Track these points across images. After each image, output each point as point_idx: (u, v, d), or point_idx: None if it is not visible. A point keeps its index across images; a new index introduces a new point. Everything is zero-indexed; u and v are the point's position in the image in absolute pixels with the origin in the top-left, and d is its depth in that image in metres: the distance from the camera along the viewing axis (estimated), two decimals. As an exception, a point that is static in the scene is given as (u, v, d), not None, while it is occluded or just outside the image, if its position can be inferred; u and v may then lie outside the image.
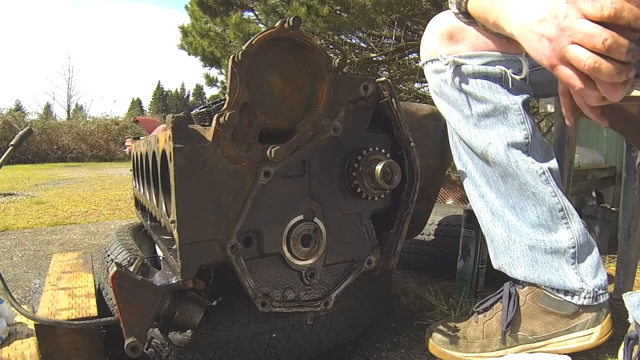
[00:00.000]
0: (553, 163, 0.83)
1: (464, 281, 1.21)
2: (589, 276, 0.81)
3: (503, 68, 0.81)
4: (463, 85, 0.84)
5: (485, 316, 0.88)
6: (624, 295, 0.81)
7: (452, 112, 0.89)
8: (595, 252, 0.84)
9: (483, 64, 0.82)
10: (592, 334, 0.82)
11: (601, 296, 0.81)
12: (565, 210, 0.81)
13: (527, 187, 0.82)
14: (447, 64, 0.85)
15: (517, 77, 0.80)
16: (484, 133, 0.84)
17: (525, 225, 0.84)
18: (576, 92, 0.63)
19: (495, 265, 0.90)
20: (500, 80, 0.82)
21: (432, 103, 0.98)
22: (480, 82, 0.83)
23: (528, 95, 0.84)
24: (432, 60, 0.89)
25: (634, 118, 1.10)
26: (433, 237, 1.41)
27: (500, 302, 0.87)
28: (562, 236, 0.81)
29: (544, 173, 0.81)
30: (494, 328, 0.85)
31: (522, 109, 0.82)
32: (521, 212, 0.84)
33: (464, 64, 0.83)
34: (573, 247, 0.81)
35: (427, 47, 0.90)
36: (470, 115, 0.85)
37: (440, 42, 0.86)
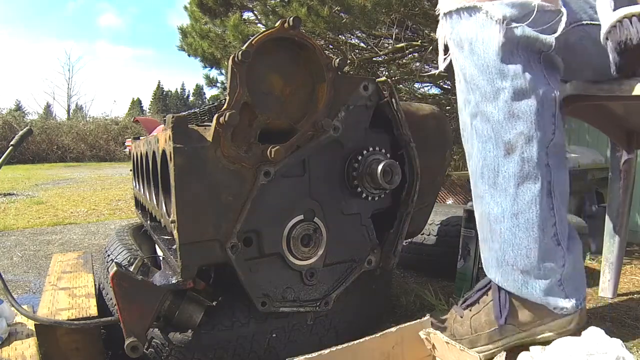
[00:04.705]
0: (561, 179, 0.77)
1: (464, 281, 1.21)
2: (574, 294, 0.80)
3: (551, 40, 0.72)
4: (506, 52, 0.72)
5: (471, 310, 0.86)
6: None
7: (480, 79, 0.75)
8: (582, 270, 0.82)
9: (532, 27, 0.72)
10: (572, 321, 0.81)
11: (582, 303, 0.80)
12: (558, 229, 0.78)
13: (536, 196, 0.75)
14: (491, 18, 0.72)
15: (550, 40, 0.72)
16: (516, 117, 0.74)
17: (522, 242, 0.78)
18: None
19: (485, 272, 0.86)
20: (539, 59, 0.74)
21: (432, 103, 0.97)
22: (524, 56, 0.73)
23: (559, 82, 0.78)
24: (465, 9, 0.75)
25: (619, 118, 1.10)
26: (433, 237, 1.41)
27: (486, 296, 0.85)
28: (556, 256, 0.78)
29: (550, 182, 0.76)
30: (482, 322, 0.84)
31: (557, 98, 0.75)
32: (523, 225, 0.77)
33: (513, 26, 0.72)
34: (563, 267, 0.78)
35: None
36: (505, 89, 0.73)
37: None
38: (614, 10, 0.71)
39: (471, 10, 0.74)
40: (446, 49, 0.84)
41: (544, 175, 0.75)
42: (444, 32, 0.82)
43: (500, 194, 0.78)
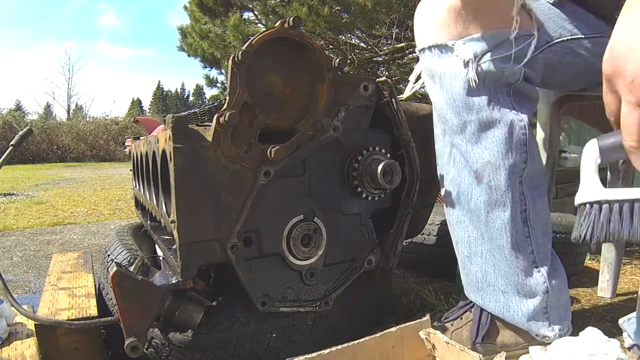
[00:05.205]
0: (538, 208, 0.77)
1: (463, 281, 1.21)
2: (557, 322, 0.79)
3: (518, 72, 0.73)
4: (472, 87, 0.75)
5: (452, 325, 0.84)
6: (621, 322, 0.78)
7: (449, 113, 0.79)
8: (566, 294, 0.81)
9: (502, 54, 0.73)
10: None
11: (566, 334, 0.79)
12: (536, 258, 0.77)
13: (506, 223, 0.76)
14: (457, 56, 0.74)
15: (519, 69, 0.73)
16: (483, 147, 0.76)
17: (500, 265, 0.78)
18: None
19: (466, 295, 0.85)
20: (508, 92, 0.76)
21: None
22: (491, 89, 0.75)
23: (533, 111, 0.78)
24: (436, 47, 0.77)
25: None
26: (433, 237, 1.41)
27: (470, 312, 0.84)
28: (536, 282, 0.77)
29: (526, 210, 0.76)
30: (464, 338, 0.83)
31: (527, 127, 0.75)
32: (498, 250, 0.77)
33: (481, 62, 0.74)
34: (546, 293, 0.77)
35: (430, 28, 0.78)
36: (472, 121, 0.76)
37: (447, 18, 0.75)
38: (602, 161, 0.57)
39: (442, 47, 0.77)
40: (416, 80, 0.89)
41: (515, 203, 0.76)
42: (419, 67, 0.85)
43: (476, 219, 0.79)
